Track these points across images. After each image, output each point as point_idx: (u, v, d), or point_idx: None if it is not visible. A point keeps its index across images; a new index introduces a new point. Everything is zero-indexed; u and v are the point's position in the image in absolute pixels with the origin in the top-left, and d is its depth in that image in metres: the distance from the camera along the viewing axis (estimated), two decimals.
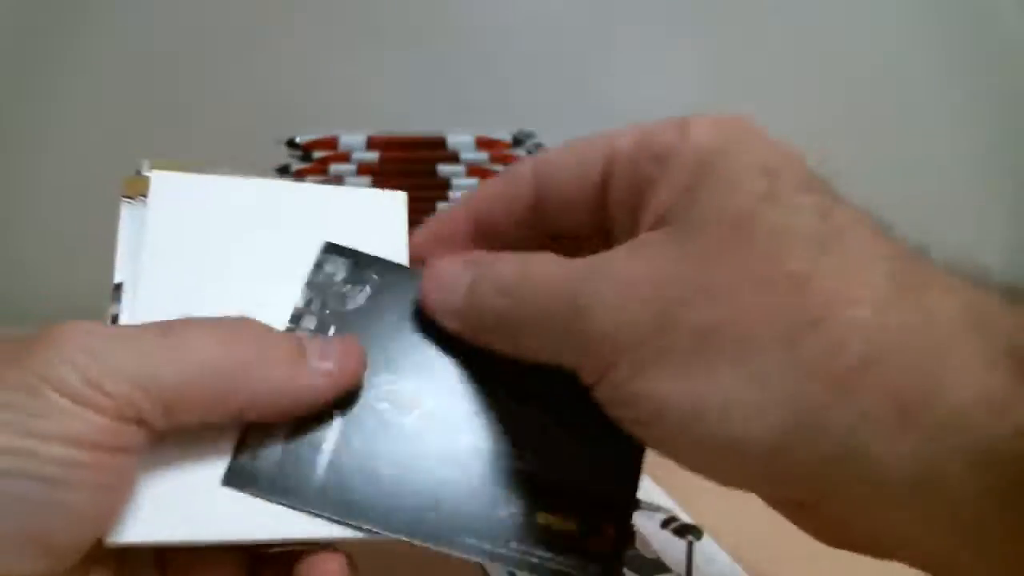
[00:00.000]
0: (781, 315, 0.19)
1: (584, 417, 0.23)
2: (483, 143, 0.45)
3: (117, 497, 0.21)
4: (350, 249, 0.26)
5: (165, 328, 0.21)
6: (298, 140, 0.45)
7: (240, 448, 0.23)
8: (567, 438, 0.25)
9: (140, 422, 0.20)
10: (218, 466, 0.23)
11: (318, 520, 0.23)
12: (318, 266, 0.26)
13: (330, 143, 0.45)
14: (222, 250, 0.26)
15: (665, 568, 0.32)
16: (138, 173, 0.26)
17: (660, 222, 0.21)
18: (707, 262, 0.20)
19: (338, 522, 0.23)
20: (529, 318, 0.22)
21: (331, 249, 0.26)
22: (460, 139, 0.45)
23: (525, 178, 0.25)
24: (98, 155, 0.57)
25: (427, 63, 0.57)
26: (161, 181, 0.25)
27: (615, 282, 0.21)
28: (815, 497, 0.20)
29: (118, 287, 0.25)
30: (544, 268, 0.22)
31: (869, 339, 0.18)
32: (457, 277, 0.24)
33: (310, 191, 0.28)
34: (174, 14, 0.56)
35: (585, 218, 0.25)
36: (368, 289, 0.26)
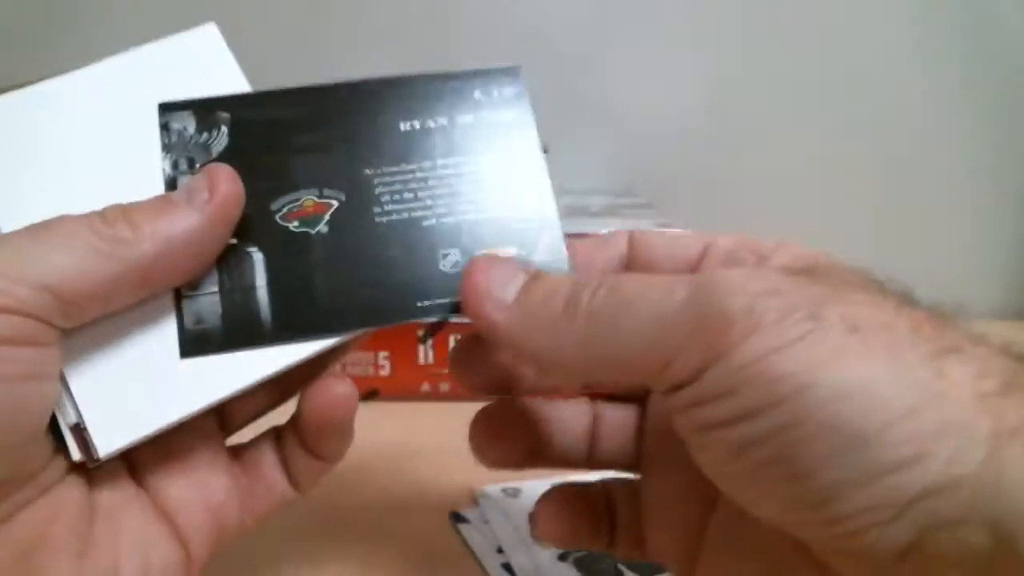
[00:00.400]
0: (926, 338, 0.18)
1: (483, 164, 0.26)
2: None
3: (38, 389, 0.21)
4: (185, 100, 0.26)
5: (35, 227, 0.21)
6: None
7: (181, 317, 0.24)
8: (474, 185, 0.26)
9: (29, 315, 0.20)
10: (168, 340, 0.23)
11: (281, 348, 0.24)
12: (164, 128, 0.26)
13: None
14: (70, 153, 0.25)
15: (665, 568, 0.32)
16: None
17: None
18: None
19: (300, 341, 0.24)
20: (629, 305, 0.20)
21: (169, 108, 0.26)
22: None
23: (621, 239, 0.26)
24: None
25: (427, 63, 0.57)
26: None
27: (748, 271, 0.20)
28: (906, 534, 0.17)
29: None
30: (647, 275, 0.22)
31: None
32: (513, 273, 0.23)
33: (123, 61, 0.27)
34: (174, 14, 0.56)
35: None
36: (224, 128, 0.26)
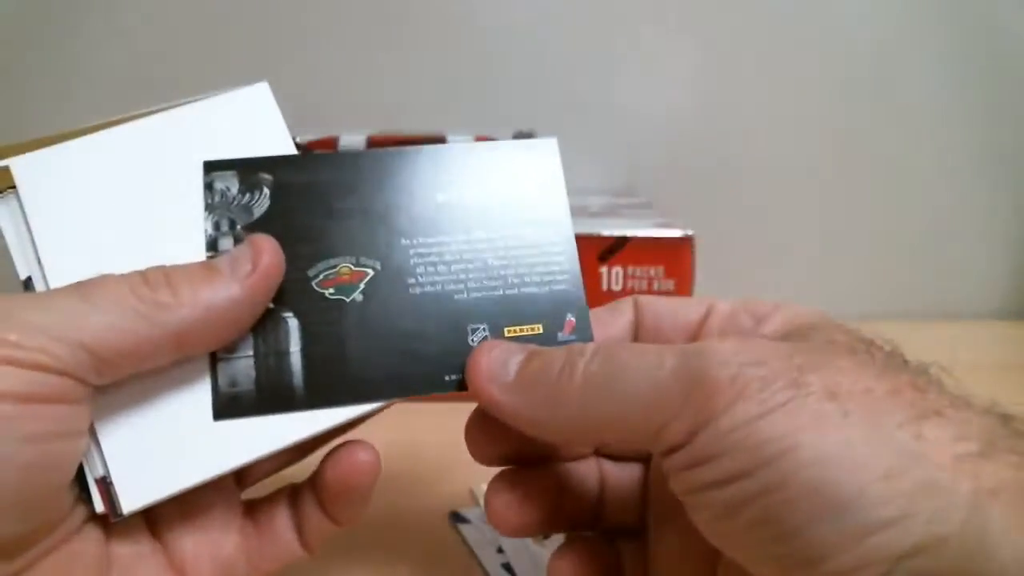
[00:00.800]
0: (906, 402, 0.19)
1: (514, 236, 0.26)
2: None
3: (68, 447, 0.21)
4: (229, 160, 0.26)
5: (77, 286, 0.22)
6: (298, 140, 0.45)
7: (216, 379, 0.24)
8: (505, 260, 0.26)
9: (64, 373, 0.20)
10: (200, 402, 0.24)
11: (312, 415, 0.24)
12: (208, 187, 0.26)
13: (330, 143, 0.45)
14: (112, 209, 0.25)
15: None
16: None
17: None
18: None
19: (330, 407, 0.24)
20: (623, 370, 0.21)
21: (213, 167, 0.26)
22: (460, 139, 0.46)
23: (627, 304, 0.27)
24: None
25: (427, 63, 0.57)
26: (22, 166, 0.25)
27: (737, 340, 0.21)
28: None
29: (27, 282, 0.24)
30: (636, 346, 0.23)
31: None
32: (513, 352, 0.24)
33: (173, 117, 0.27)
34: (174, 13, 0.56)
35: (680, 340, 0.26)
36: (266, 190, 0.26)
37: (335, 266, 0.25)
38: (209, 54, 0.56)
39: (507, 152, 0.28)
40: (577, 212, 0.53)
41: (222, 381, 0.24)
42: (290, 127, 0.46)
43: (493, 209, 0.27)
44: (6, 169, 0.25)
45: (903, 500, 0.17)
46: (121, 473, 0.23)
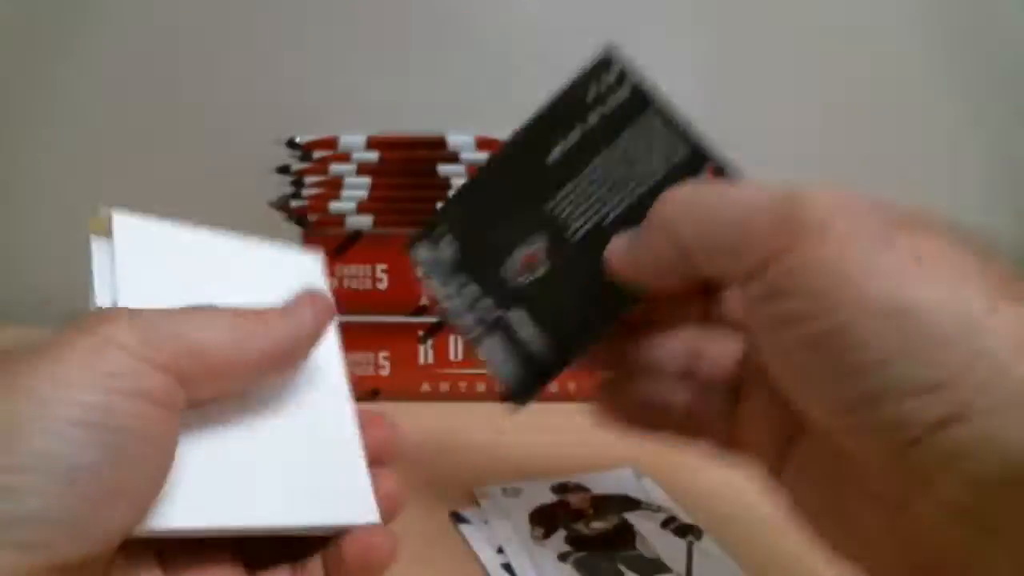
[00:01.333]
0: (990, 283, 0.19)
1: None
2: (483, 143, 0.45)
3: (170, 456, 0.22)
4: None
5: (191, 307, 0.24)
6: (298, 140, 0.45)
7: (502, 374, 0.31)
8: (626, 165, 0.30)
9: (184, 381, 0.22)
10: (241, 448, 0.25)
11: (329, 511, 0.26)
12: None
13: (330, 143, 0.45)
14: (182, 287, 0.27)
15: (665, 568, 0.32)
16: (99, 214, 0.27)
17: None
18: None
19: (569, 356, 0.31)
20: (724, 196, 0.24)
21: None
22: (460, 139, 0.46)
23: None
24: (96, 153, 0.57)
25: (427, 63, 0.57)
26: (123, 225, 0.27)
27: (837, 191, 0.22)
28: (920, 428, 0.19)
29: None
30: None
31: None
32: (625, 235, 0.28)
33: (245, 249, 0.30)
34: (175, 14, 0.56)
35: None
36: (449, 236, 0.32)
37: (515, 258, 0.31)
38: (209, 54, 0.56)
39: (580, 90, 0.31)
40: None
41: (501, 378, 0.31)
42: (290, 127, 0.47)
43: (595, 139, 0.31)
44: (106, 220, 0.26)
45: (954, 367, 0.18)
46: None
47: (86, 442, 0.19)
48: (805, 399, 0.22)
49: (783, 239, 0.21)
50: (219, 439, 0.24)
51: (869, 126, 0.61)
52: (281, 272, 0.29)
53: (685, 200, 0.25)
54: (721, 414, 0.28)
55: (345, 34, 0.57)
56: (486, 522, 0.35)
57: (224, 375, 0.23)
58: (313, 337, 0.26)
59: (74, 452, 0.19)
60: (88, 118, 0.57)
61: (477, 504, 0.37)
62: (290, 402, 0.27)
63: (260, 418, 0.26)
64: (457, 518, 0.36)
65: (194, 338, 0.22)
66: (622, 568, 0.32)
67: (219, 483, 0.23)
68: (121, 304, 0.25)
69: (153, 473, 0.21)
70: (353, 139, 0.45)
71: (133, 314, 0.22)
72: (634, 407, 0.30)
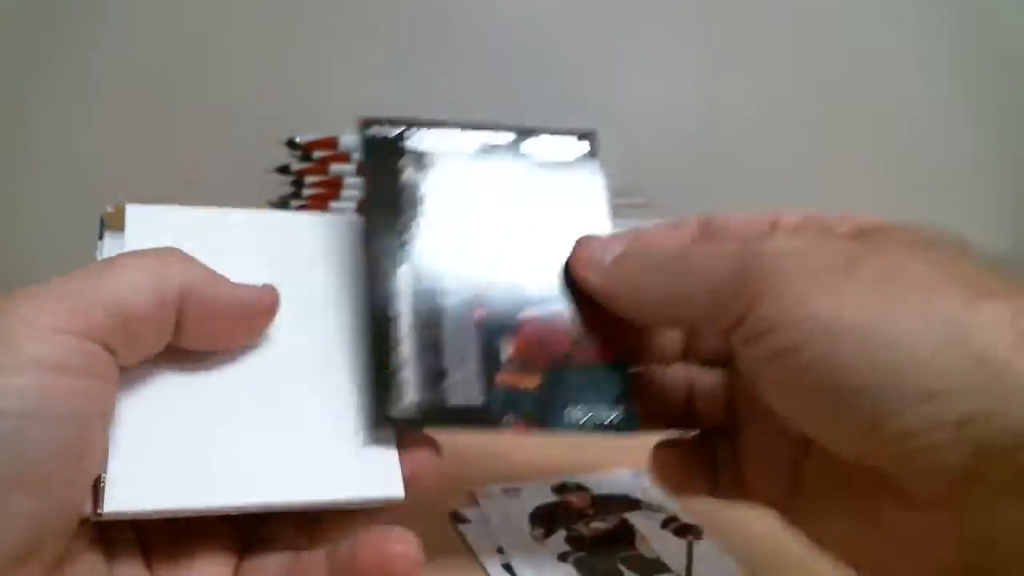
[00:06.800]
0: (964, 285, 0.20)
1: None
2: None
3: (98, 432, 0.21)
4: None
5: (102, 262, 0.23)
6: (298, 140, 0.45)
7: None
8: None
9: (102, 343, 0.21)
10: (226, 425, 0.24)
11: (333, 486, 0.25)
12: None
13: (330, 143, 0.45)
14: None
15: (665, 568, 0.32)
16: (112, 209, 0.27)
17: None
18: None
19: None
20: (695, 262, 0.25)
21: None
22: None
23: (691, 221, 0.29)
24: (96, 153, 0.57)
25: (427, 63, 0.57)
26: (135, 213, 0.26)
27: (791, 234, 0.24)
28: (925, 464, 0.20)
29: None
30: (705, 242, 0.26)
31: None
32: (609, 243, 0.28)
33: (272, 217, 0.29)
34: (175, 13, 0.56)
35: None
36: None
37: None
38: (209, 54, 0.56)
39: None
40: None
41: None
42: (290, 127, 0.47)
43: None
44: (120, 212, 0.26)
45: (952, 373, 0.19)
46: (119, 472, 0.22)
47: None
48: (816, 430, 0.22)
49: (751, 298, 0.22)
50: (211, 408, 0.23)
51: (869, 126, 0.61)
52: (305, 239, 0.28)
53: (637, 266, 0.26)
54: (726, 452, 0.29)
55: (345, 34, 0.57)
56: (486, 522, 0.35)
57: (151, 327, 0.22)
58: (253, 304, 0.25)
59: None
60: (88, 118, 0.57)
61: (477, 504, 0.37)
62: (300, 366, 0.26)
63: (266, 385, 0.25)
64: (457, 518, 0.36)
65: (103, 292, 0.21)
66: (622, 568, 0.32)
67: (200, 461, 0.23)
68: None
69: (69, 454, 0.20)
70: (353, 139, 0.45)
71: (38, 285, 0.21)
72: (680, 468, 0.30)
